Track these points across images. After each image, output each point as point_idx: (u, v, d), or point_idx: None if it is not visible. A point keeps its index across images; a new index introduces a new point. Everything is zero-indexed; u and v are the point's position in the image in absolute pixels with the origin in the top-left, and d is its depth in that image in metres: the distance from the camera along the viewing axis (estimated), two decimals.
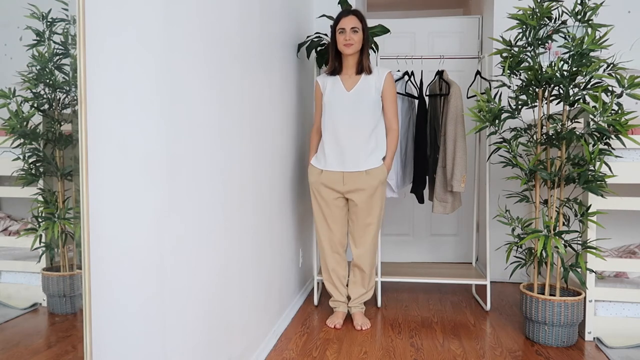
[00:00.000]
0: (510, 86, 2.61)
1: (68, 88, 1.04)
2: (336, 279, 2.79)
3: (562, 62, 2.41)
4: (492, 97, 2.56)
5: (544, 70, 2.46)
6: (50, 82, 1.01)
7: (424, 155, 3.06)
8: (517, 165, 2.52)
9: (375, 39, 3.06)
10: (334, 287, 2.81)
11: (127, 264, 1.22)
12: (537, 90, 2.53)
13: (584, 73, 2.36)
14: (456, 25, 4.08)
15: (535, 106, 2.55)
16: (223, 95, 1.80)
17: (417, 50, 4.08)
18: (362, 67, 2.64)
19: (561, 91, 2.46)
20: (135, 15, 1.24)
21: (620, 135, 2.33)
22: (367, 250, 2.73)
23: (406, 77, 3.12)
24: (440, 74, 3.09)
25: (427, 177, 3.15)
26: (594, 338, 2.53)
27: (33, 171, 0.98)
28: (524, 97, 2.83)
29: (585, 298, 2.53)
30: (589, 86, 2.39)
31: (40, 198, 1.01)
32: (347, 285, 2.85)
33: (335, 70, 2.68)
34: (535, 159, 2.49)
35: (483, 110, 2.55)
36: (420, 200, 3.14)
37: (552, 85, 2.48)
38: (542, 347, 2.45)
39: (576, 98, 2.42)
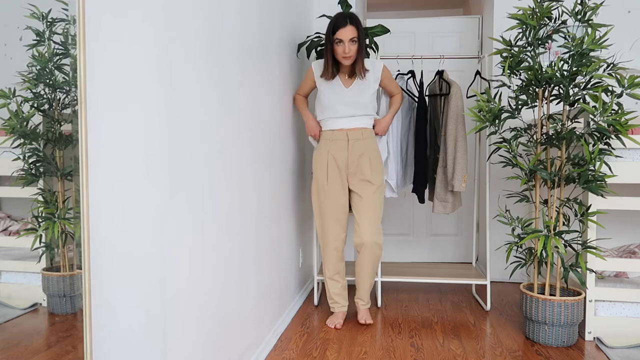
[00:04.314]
0: (510, 86, 2.61)
1: (68, 88, 1.04)
2: (337, 276, 2.79)
3: (562, 62, 2.41)
4: (492, 97, 2.56)
5: (544, 70, 2.46)
6: (50, 82, 1.01)
7: (424, 155, 3.06)
8: (517, 165, 2.52)
9: (375, 39, 3.06)
10: (334, 282, 2.80)
11: (127, 264, 1.22)
12: (537, 90, 2.53)
13: (584, 73, 2.36)
14: (456, 25, 4.08)
15: (535, 106, 2.55)
16: (224, 94, 1.80)
17: (417, 50, 4.08)
18: (356, 71, 2.63)
19: (561, 91, 2.46)
20: (135, 15, 1.24)
21: (620, 135, 2.33)
22: (375, 226, 2.68)
23: (406, 77, 3.12)
24: (440, 73, 3.09)
25: (427, 177, 3.15)
26: (594, 338, 2.53)
27: (33, 171, 0.98)
28: (524, 97, 2.83)
29: (585, 298, 2.53)
30: (589, 86, 2.39)
31: (40, 198, 1.01)
32: (346, 286, 2.85)
33: (333, 75, 2.67)
34: (535, 159, 2.49)
35: (483, 110, 2.55)
36: (421, 200, 3.14)
37: (552, 85, 2.48)
38: (542, 347, 2.45)
39: (576, 98, 2.42)
